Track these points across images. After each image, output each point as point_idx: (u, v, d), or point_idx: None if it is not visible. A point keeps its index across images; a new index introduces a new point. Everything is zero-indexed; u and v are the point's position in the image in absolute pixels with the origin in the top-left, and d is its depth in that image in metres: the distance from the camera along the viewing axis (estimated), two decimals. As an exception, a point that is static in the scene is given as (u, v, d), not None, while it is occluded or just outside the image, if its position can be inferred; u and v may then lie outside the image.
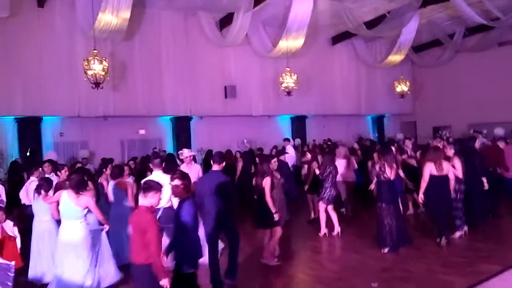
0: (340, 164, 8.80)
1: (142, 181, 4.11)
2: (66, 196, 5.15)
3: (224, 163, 5.68)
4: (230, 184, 5.66)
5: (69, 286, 4.96)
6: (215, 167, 5.55)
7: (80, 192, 5.15)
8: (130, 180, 7.28)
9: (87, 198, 5.20)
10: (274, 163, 6.85)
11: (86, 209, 5.16)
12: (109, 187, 6.77)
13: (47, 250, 5.76)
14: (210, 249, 5.31)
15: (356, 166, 9.66)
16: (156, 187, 3.82)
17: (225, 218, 5.30)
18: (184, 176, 4.37)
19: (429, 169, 6.78)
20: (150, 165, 6.35)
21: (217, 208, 5.23)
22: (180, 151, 7.52)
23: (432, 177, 6.76)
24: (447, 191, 6.83)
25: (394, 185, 6.86)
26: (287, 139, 12.52)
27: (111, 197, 6.71)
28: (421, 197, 6.91)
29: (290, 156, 11.60)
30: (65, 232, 5.08)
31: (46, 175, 7.08)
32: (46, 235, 5.83)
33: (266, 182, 5.98)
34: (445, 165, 6.82)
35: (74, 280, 4.96)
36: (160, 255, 3.77)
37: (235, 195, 5.85)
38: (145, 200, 3.78)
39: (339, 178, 8.31)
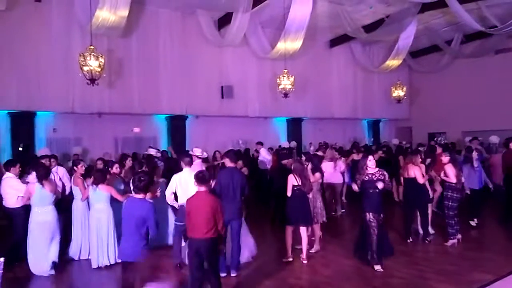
0: (327, 166, 9.25)
1: (196, 172, 4.85)
2: (39, 187, 6.13)
3: (239, 161, 6.44)
4: (245, 179, 6.21)
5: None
6: (231, 164, 6.12)
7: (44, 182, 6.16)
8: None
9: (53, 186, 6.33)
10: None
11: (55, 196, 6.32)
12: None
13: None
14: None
15: (343, 168, 9.77)
16: (209, 177, 4.84)
17: (239, 210, 5.94)
18: None
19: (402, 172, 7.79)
20: (181, 162, 6.51)
21: (234, 201, 5.85)
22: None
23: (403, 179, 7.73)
24: (412, 194, 7.46)
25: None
26: (259, 143, 12.50)
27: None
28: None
29: (264, 159, 11.70)
30: (41, 215, 6.11)
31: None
32: (83, 219, 6.79)
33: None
34: (411, 169, 7.43)
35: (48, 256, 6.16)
36: None
37: (247, 190, 6.23)
38: (202, 187, 4.66)
39: (324, 180, 8.46)
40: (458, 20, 13.57)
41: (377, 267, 6.01)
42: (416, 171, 7.38)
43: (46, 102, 11.11)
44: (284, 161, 9.20)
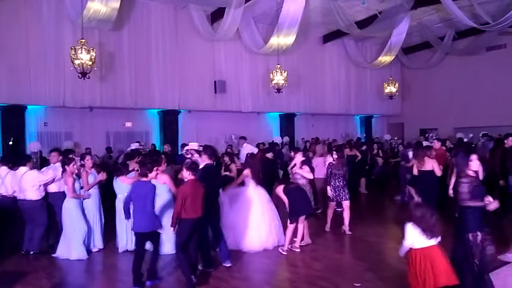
0: (318, 161, 9.41)
1: (189, 163, 5.53)
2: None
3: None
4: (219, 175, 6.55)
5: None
6: (210, 160, 6.11)
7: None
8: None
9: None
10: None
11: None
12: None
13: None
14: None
15: None
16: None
17: (217, 205, 6.15)
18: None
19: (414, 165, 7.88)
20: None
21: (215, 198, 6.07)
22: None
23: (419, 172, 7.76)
24: (429, 186, 7.46)
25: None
26: (243, 137, 12.36)
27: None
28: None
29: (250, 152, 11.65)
30: (67, 202, 6.63)
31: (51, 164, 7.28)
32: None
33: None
34: (428, 162, 7.60)
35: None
36: None
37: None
38: (193, 176, 5.33)
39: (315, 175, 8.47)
40: (450, 17, 13.64)
41: None
42: (434, 164, 7.57)
43: (37, 96, 11.01)
44: (268, 154, 9.53)
